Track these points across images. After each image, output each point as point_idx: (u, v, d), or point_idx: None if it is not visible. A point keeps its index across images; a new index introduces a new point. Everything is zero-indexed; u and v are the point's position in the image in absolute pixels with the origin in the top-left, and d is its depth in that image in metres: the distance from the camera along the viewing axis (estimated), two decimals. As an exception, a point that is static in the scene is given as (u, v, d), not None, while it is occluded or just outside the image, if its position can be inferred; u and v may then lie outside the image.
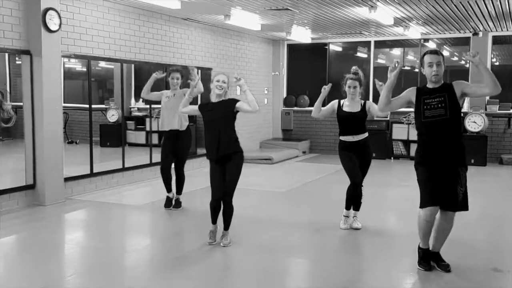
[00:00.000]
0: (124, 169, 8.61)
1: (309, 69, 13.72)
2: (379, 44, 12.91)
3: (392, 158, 11.97)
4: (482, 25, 10.50)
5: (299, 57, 13.74)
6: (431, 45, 12.38)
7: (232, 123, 5.16)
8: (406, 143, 11.85)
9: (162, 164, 6.81)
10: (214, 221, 5.26)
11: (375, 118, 11.38)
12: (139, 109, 12.32)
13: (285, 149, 12.48)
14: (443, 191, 4.26)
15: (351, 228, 5.86)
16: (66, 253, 5.29)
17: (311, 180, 9.33)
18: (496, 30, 11.25)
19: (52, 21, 6.94)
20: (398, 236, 5.80)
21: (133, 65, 10.85)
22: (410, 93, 4.47)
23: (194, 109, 5.44)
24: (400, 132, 11.86)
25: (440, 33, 11.74)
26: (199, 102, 8.30)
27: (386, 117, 11.73)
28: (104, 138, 11.65)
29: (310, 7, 8.51)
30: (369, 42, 12.76)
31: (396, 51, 13.77)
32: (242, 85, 5.15)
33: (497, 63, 12.52)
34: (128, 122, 11.86)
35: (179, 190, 6.87)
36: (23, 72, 6.98)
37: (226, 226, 5.26)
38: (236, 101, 5.15)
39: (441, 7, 8.45)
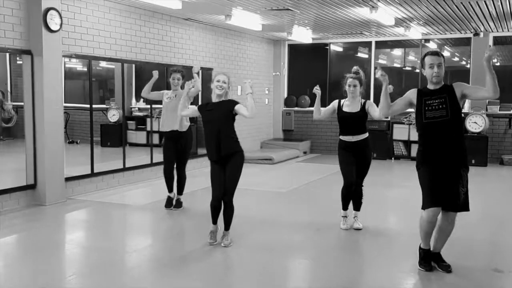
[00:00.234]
0: (124, 169, 8.61)
1: (310, 69, 13.71)
2: (380, 45, 12.90)
3: (392, 158, 11.97)
4: (483, 25, 10.49)
5: (300, 57, 13.74)
6: (432, 46, 12.38)
7: (232, 123, 5.14)
8: (407, 143, 11.85)
9: (165, 166, 6.79)
10: (214, 221, 5.26)
11: (375, 119, 11.35)
12: (139, 109, 12.31)
13: (286, 149, 12.47)
14: (445, 192, 4.26)
15: (351, 228, 5.86)
16: (66, 253, 5.29)
17: (312, 180, 9.33)
18: (497, 31, 11.24)
19: (53, 21, 6.93)
20: (398, 237, 5.80)
21: (134, 65, 10.85)
22: (410, 95, 4.48)
23: (194, 110, 5.41)
24: (400, 132, 11.85)
25: (441, 34, 11.74)
26: (199, 103, 8.30)
27: (387, 118, 11.72)
28: (105, 138, 11.64)
29: (311, 7, 8.50)
30: (370, 42, 12.75)
31: (397, 52, 13.76)
32: (247, 87, 5.07)
33: (497, 64, 12.50)
34: (128, 122, 11.88)
35: (180, 191, 6.87)
36: (24, 72, 6.99)
37: (227, 226, 5.25)
38: (236, 103, 5.12)
39: (442, 7, 8.45)
